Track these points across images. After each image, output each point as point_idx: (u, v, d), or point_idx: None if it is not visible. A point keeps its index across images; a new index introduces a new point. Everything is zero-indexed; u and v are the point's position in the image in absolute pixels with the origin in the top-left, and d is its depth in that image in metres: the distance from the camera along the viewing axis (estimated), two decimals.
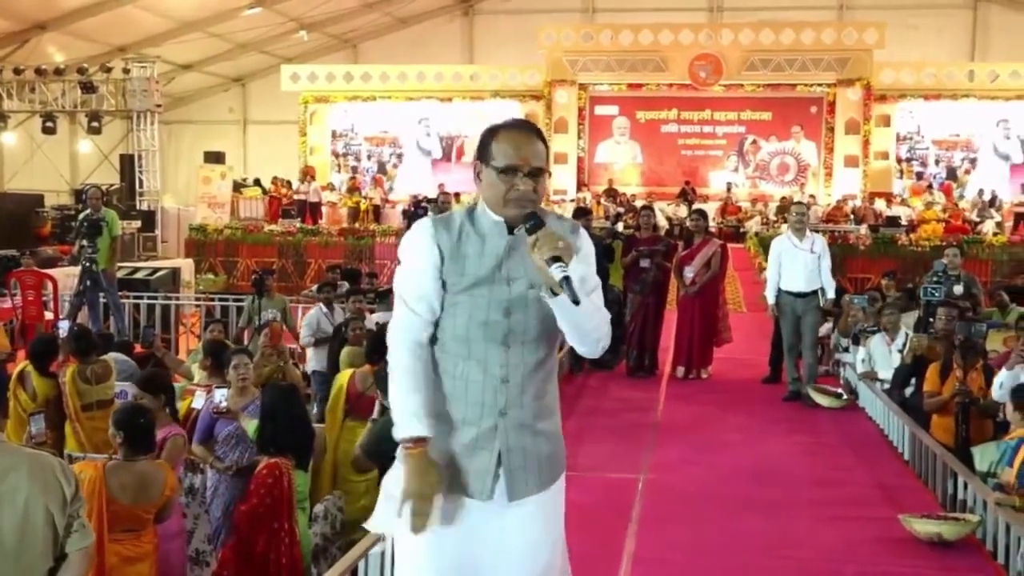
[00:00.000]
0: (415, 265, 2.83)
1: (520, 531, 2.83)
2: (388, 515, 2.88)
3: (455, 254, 2.80)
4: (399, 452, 2.80)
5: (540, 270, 2.64)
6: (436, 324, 2.83)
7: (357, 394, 6.57)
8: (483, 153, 2.81)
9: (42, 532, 3.06)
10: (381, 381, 5.31)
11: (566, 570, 3.02)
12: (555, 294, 2.64)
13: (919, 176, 25.03)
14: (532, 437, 2.83)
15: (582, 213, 11.06)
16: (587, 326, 2.77)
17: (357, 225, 22.58)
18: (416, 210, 20.28)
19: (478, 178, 2.84)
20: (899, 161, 25.12)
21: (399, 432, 2.76)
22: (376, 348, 6.78)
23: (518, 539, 2.82)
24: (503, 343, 2.79)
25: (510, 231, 2.79)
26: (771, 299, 9.09)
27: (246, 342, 9.80)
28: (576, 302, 2.60)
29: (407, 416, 2.75)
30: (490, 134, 2.83)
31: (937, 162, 25.17)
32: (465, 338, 2.80)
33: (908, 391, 7.86)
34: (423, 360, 2.82)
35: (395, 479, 2.83)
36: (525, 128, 2.86)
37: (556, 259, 2.60)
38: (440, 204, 12.23)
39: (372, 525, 3.02)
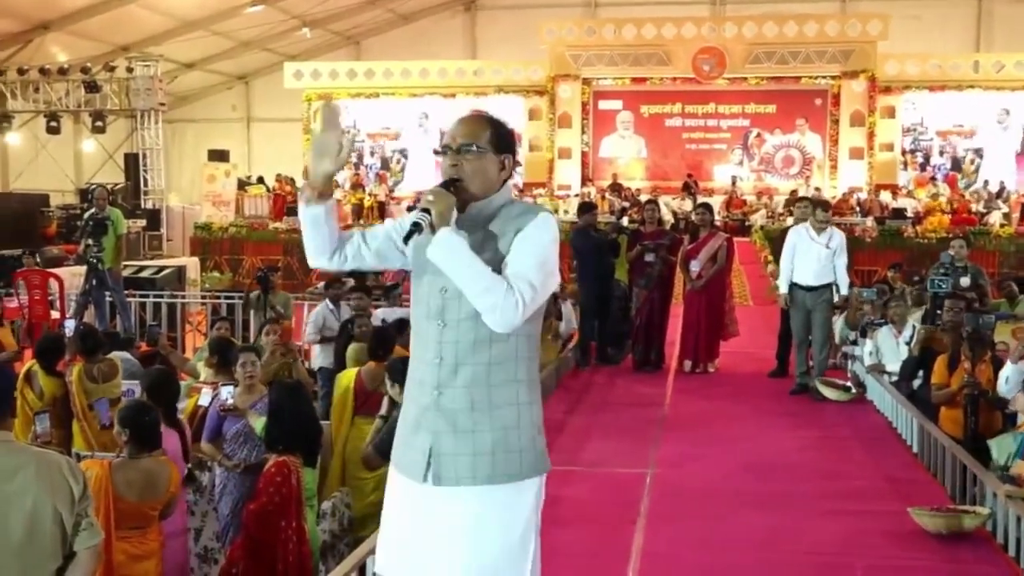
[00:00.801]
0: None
1: (447, 521, 2.75)
2: None
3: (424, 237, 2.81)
4: None
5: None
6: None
7: (365, 392, 6.56)
8: None
9: (50, 531, 3.06)
10: (395, 373, 5.30)
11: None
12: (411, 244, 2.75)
13: (923, 167, 24.96)
14: (470, 423, 2.75)
15: (587, 208, 11.02)
16: (465, 284, 2.67)
17: (361, 222, 22.56)
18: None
19: None
20: (904, 153, 25.06)
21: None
22: (381, 344, 6.79)
23: (444, 529, 2.75)
24: (439, 320, 2.78)
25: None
26: (783, 288, 9.03)
27: (252, 335, 9.80)
28: (407, 236, 2.68)
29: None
30: None
31: (941, 153, 25.11)
32: (415, 315, 2.86)
33: (916, 383, 7.83)
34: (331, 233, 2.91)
35: None
36: (467, 114, 2.93)
37: (425, 211, 2.67)
38: None
39: None
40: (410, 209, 20.83)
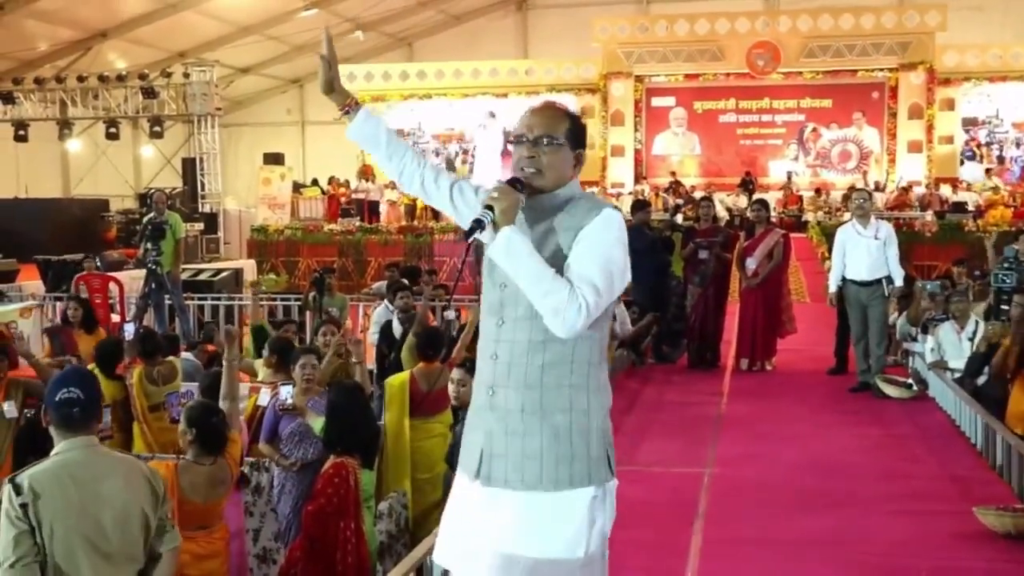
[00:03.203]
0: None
1: (495, 520, 2.70)
2: None
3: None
4: None
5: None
6: None
7: (420, 393, 6.58)
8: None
9: (139, 533, 3.12)
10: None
11: None
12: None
13: (1000, 160, 24.42)
14: (521, 427, 2.69)
15: (641, 206, 10.97)
16: (524, 285, 2.58)
17: (415, 223, 22.66)
18: None
19: None
20: (977, 146, 24.55)
21: None
22: (430, 344, 6.81)
23: (493, 528, 2.70)
24: (498, 317, 2.74)
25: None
26: (832, 287, 8.94)
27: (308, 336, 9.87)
28: (468, 233, 2.55)
29: None
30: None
31: (1018, 144, 24.55)
32: (482, 310, 2.83)
33: (981, 380, 7.67)
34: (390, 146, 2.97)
35: None
36: (542, 104, 2.87)
37: (488, 208, 2.57)
38: None
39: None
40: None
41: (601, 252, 2.63)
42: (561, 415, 2.69)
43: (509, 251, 2.56)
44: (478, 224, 2.55)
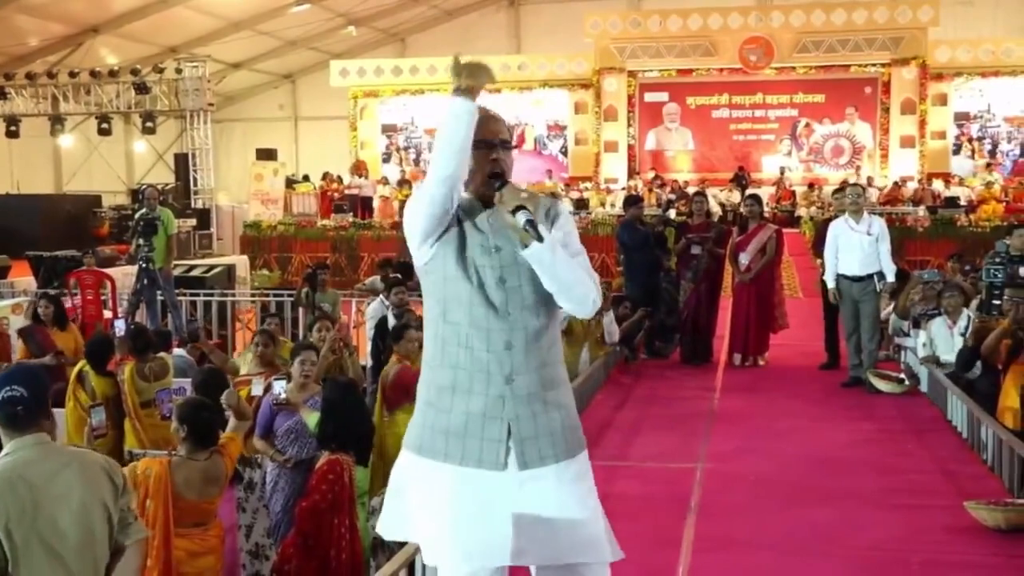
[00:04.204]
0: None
1: (540, 502, 2.82)
2: (396, 516, 2.94)
3: (457, 229, 2.88)
4: (449, 136, 2.78)
5: (511, 226, 2.76)
6: (433, 301, 2.91)
7: (386, 386, 6.61)
8: None
9: (100, 527, 3.08)
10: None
11: (603, 545, 2.89)
12: (527, 247, 2.75)
13: (992, 154, 24.48)
14: (542, 406, 2.87)
15: (633, 201, 10.97)
16: (567, 277, 2.81)
17: None
18: None
19: None
20: (968, 141, 24.62)
21: (449, 112, 2.77)
22: (396, 338, 6.85)
23: (538, 510, 2.81)
24: (503, 310, 2.84)
25: (484, 205, 2.89)
26: (831, 283, 8.93)
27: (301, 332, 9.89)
28: (540, 239, 2.70)
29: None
30: None
31: (1011, 139, 24.61)
32: (469, 306, 2.85)
33: (973, 374, 7.69)
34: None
35: (402, 469, 2.95)
36: (487, 111, 2.94)
37: (520, 208, 2.73)
38: None
39: (382, 528, 3.01)
40: None
41: (577, 241, 2.94)
42: (564, 388, 2.97)
43: (554, 251, 2.76)
44: (532, 225, 2.72)
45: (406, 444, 2.96)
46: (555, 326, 2.96)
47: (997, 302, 8.37)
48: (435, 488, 2.85)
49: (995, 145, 24.66)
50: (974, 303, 9.17)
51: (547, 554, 2.84)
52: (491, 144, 2.89)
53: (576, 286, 2.83)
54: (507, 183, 2.83)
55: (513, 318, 2.84)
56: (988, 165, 23.72)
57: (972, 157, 24.57)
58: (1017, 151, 24.52)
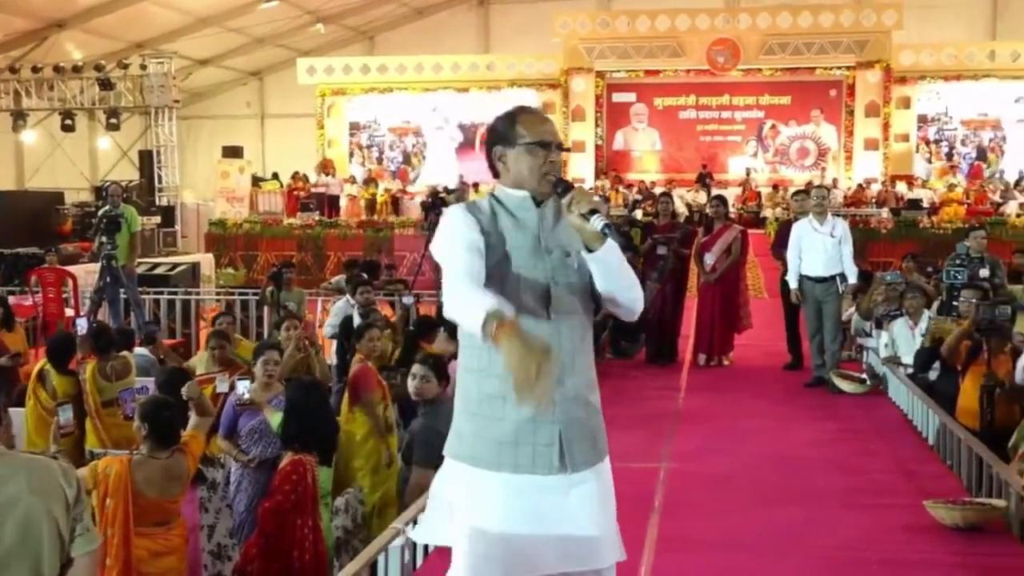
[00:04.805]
0: (460, 232, 2.84)
1: (583, 504, 2.86)
2: (439, 522, 2.92)
3: (493, 230, 2.86)
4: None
5: (578, 227, 2.76)
6: None
7: (349, 382, 6.61)
8: (505, 138, 2.92)
9: (47, 539, 3.01)
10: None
11: (621, 546, 3.00)
12: (593, 251, 2.77)
13: (949, 157, 24.79)
14: (585, 408, 2.92)
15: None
16: (626, 281, 2.88)
17: (375, 217, 22.58)
18: (435, 201, 20.23)
19: (500, 162, 2.94)
20: (928, 143, 24.90)
21: (479, 322, 2.55)
22: (358, 337, 6.85)
23: (581, 512, 2.85)
24: (551, 313, 2.85)
25: (536, 205, 2.90)
26: (793, 283, 9.00)
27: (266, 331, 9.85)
28: (620, 243, 2.79)
29: (485, 302, 2.58)
30: (509, 120, 2.95)
31: (965, 142, 24.93)
32: (517, 312, 2.76)
33: (933, 375, 7.77)
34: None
35: (444, 483, 2.92)
36: (538, 111, 3.04)
37: (594, 211, 2.74)
38: (459, 194, 12.19)
39: (421, 534, 2.99)
40: (425, 205, 20.85)
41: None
42: (597, 391, 3.03)
43: (617, 253, 2.83)
44: (609, 227, 2.75)
45: (454, 455, 2.91)
46: (588, 332, 2.98)
47: (957, 303, 8.46)
48: (487, 498, 2.82)
49: (952, 148, 24.97)
50: (936, 304, 9.27)
51: (587, 558, 2.87)
52: (547, 145, 2.89)
53: (632, 289, 2.90)
54: (573, 186, 2.83)
55: (560, 321, 2.86)
56: (950, 168, 24.01)
57: (929, 160, 24.87)
58: (973, 154, 24.82)
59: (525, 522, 2.81)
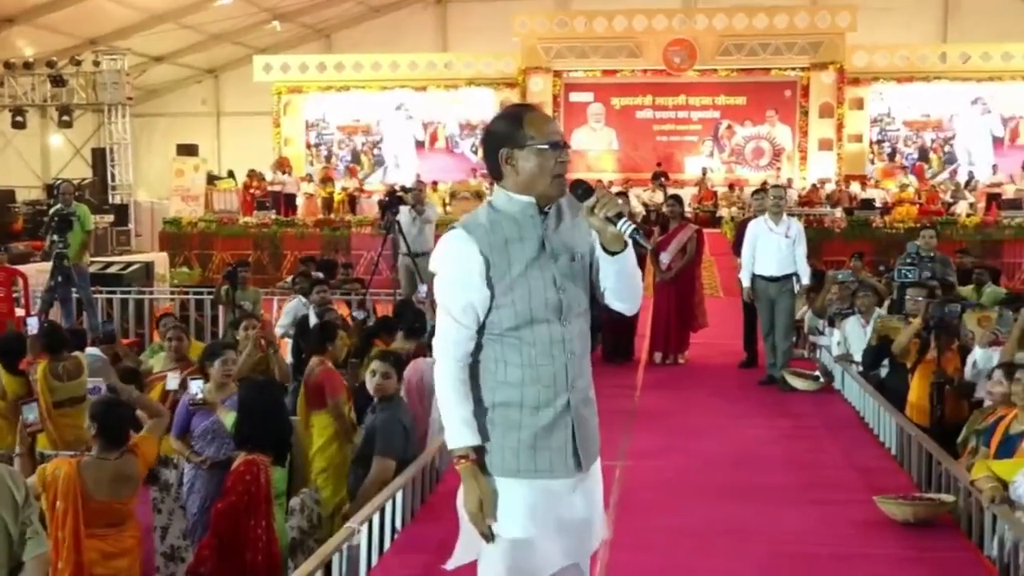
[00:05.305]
0: (459, 276, 2.84)
1: (587, 498, 2.95)
2: (471, 540, 2.93)
3: (498, 248, 2.83)
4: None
5: (600, 230, 2.78)
6: (485, 322, 2.86)
7: (306, 386, 6.57)
8: (513, 139, 2.86)
9: None
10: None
11: (606, 522, 3.16)
12: (611, 253, 2.81)
13: (891, 158, 25.16)
14: (589, 407, 2.97)
15: None
16: (636, 281, 2.95)
17: (332, 216, 22.46)
18: (392, 200, 20.14)
19: (508, 164, 2.87)
20: (871, 144, 25.26)
21: (452, 443, 2.84)
22: (326, 338, 6.81)
23: (586, 507, 2.95)
24: (563, 319, 2.87)
25: (539, 211, 2.88)
26: (746, 282, 9.08)
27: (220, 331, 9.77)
28: (648, 247, 2.94)
29: (459, 426, 2.83)
30: (515, 120, 2.88)
31: (908, 143, 25.31)
32: (529, 322, 2.84)
33: (883, 372, 7.88)
34: (467, 371, 2.88)
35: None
36: (541, 110, 3.00)
37: (619, 215, 2.76)
38: (415, 194, 12.16)
39: (463, 555, 2.98)
40: (382, 203, 20.77)
41: None
42: (593, 388, 3.05)
43: (633, 254, 2.87)
44: (638, 231, 2.80)
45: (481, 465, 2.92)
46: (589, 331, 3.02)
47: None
48: (511, 506, 2.85)
49: (894, 149, 25.34)
50: (887, 303, 9.40)
51: (590, 546, 3.01)
52: (557, 145, 2.86)
53: (639, 287, 2.97)
54: (594, 189, 2.83)
55: (570, 324, 2.89)
56: (893, 168, 24.36)
57: (872, 161, 25.22)
58: (916, 154, 25.20)
59: (546, 525, 2.86)
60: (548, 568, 2.89)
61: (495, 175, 2.93)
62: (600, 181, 24.25)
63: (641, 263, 3.01)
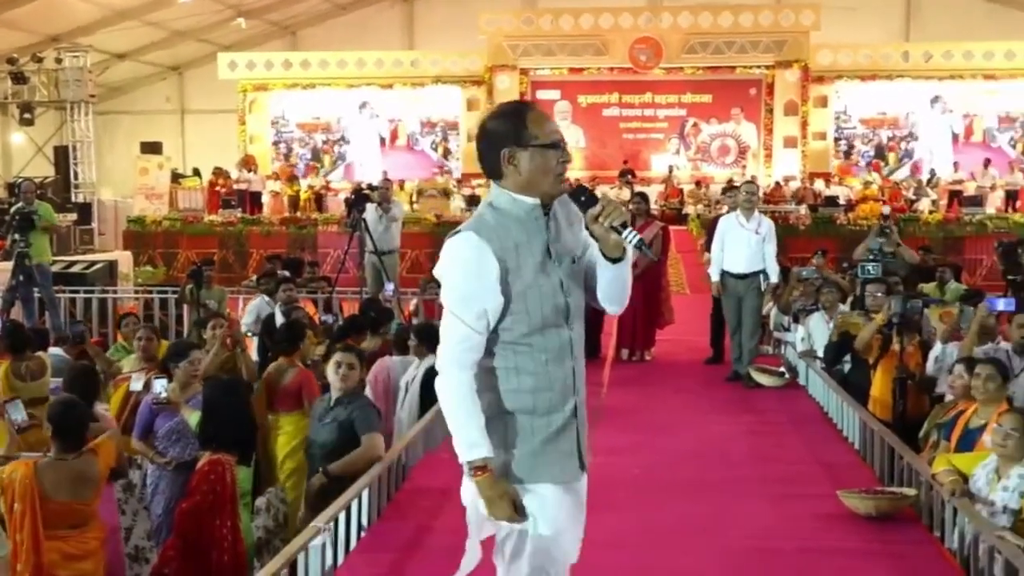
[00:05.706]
0: (474, 281, 2.77)
1: (582, 501, 3.00)
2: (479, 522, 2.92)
3: (510, 252, 2.79)
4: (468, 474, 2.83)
5: (603, 238, 2.78)
6: (497, 329, 2.83)
7: (274, 387, 6.54)
8: (516, 138, 2.82)
9: None
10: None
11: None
12: (612, 260, 2.81)
13: (847, 155, 25.44)
14: (584, 409, 2.97)
15: None
16: (629, 284, 2.96)
17: (299, 214, 22.35)
18: (358, 197, 20.06)
19: (510, 164, 2.83)
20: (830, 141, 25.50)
21: (464, 455, 2.77)
22: (290, 338, 6.79)
23: (583, 504, 3.00)
24: (568, 323, 2.88)
25: (546, 210, 2.87)
26: (715, 277, 9.08)
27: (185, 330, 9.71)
28: (655, 257, 2.85)
29: (475, 437, 2.76)
30: (517, 119, 2.84)
31: (865, 141, 25.59)
32: (540, 328, 2.83)
33: (847, 368, 7.95)
34: (475, 379, 2.83)
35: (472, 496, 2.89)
36: (539, 108, 2.98)
37: (624, 225, 2.76)
38: (382, 192, 12.13)
39: (465, 569, 2.97)
40: (348, 201, 20.68)
41: None
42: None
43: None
44: (643, 242, 2.85)
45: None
46: None
47: None
48: (532, 508, 2.85)
49: (851, 146, 25.60)
50: (851, 299, 9.49)
51: (578, 547, 3.04)
52: (559, 144, 2.85)
53: (628, 290, 2.98)
54: (597, 196, 2.81)
55: (575, 329, 2.90)
56: (857, 165, 24.61)
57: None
58: (872, 152, 25.46)
59: (561, 528, 2.89)
60: (565, 565, 2.96)
61: (494, 174, 2.87)
62: (568, 179, 24.33)
63: None
